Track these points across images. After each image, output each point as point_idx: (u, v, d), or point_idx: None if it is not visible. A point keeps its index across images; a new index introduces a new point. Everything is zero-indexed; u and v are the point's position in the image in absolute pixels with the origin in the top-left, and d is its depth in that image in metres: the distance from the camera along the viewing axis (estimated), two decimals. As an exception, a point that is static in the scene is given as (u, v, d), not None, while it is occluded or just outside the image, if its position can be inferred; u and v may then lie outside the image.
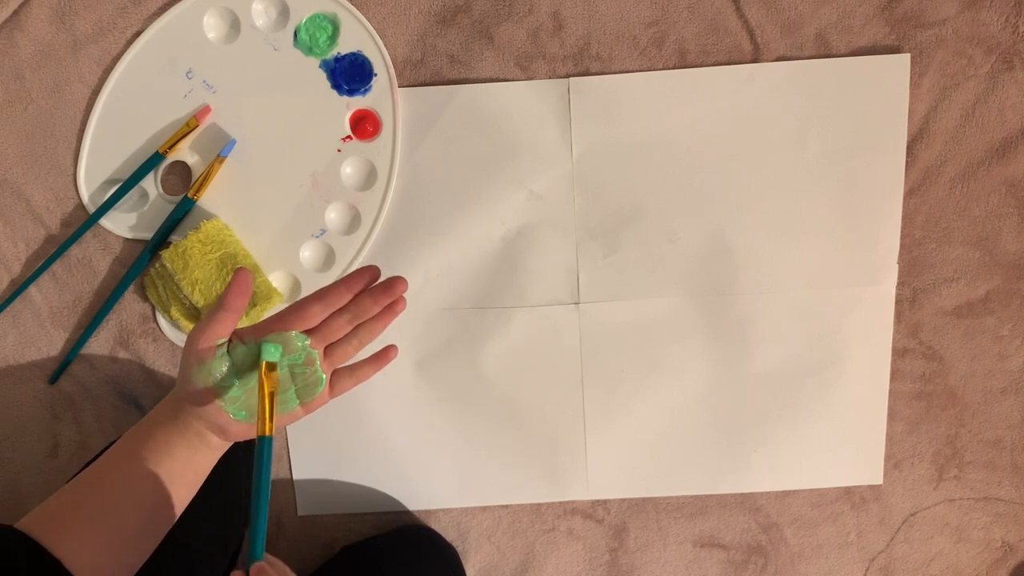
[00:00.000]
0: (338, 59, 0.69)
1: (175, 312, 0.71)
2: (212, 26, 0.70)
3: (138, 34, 0.70)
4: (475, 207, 0.72)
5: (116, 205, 0.71)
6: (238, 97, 0.70)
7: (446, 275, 0.73)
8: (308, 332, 0.51)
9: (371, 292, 0.52)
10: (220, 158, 0.70)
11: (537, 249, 0.73)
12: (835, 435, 0.76)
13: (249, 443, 0.50)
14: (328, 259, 0.73)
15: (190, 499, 0.51)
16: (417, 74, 0.71)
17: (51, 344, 0.74)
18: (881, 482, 0.77)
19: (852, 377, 0.75)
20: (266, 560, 0.44)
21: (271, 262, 0.72)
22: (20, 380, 0.75)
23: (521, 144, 0.71)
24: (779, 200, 0.72)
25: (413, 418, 0.76)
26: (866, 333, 0.74)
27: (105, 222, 0.72)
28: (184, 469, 0.50)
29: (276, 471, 0.77)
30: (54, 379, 0.74)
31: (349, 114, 0.70)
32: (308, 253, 0.73)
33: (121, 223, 0.72)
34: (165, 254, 0.70)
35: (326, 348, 0.52)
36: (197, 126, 0.70)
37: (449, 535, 0.78)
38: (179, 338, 0.73)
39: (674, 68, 0.70)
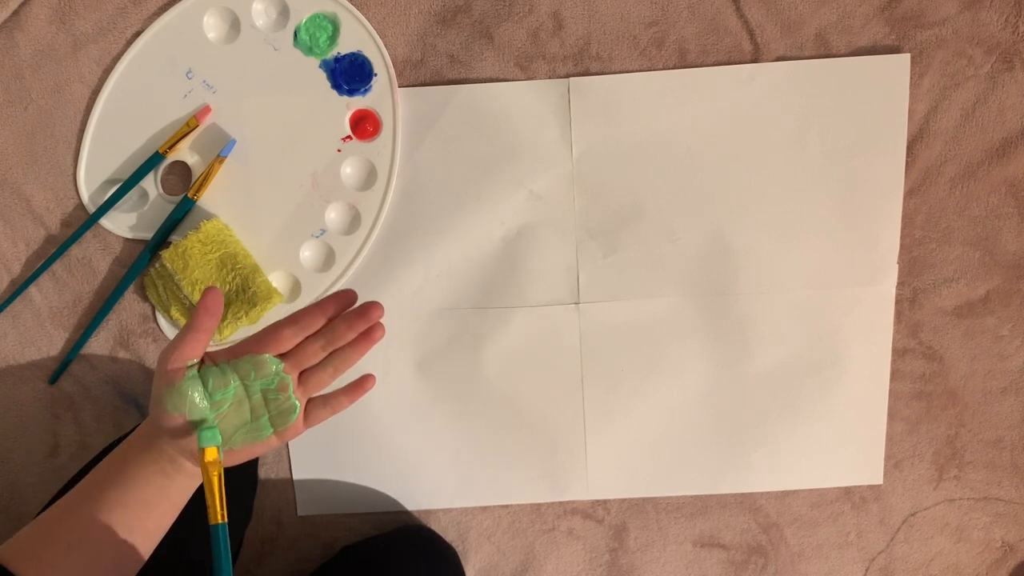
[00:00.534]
0: (338, 59, 0.69)
1: (175, 312, 0.71)
2: (212, 26, 0.70)
3: (138, 34, 0.70)
4: (475, 207, 0.72)
5: (116, 205, 0.71)
6: (238, 97, 0.70)
7: (446, 275, 0.73)
8: (282, 357, 0.50)
9: (345, 318, 0.51)
10: (220, 158, 0.70)
11: (537, 249, 0.73)
12: (835, 435, 0.76)
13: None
14: (328, 259, 0.73)
15: (167, 528, 0.50)
16: (417, 74, 0.71)
17: (51, 344, 0.74)
18: (881, 482, 0.77)
19: (852, 377, 0.75)
20: None
21: (271, 262, 0.72)
22: (20, 380, 0.75)
23: (521, 144, 0.71)
24: (779, 200, 0.72)
25: (413, 418, 0.76)
26: (866, 333, 0.74)
27: (105, 222, 0.72)
28: (158, 498, 0.49)
29: (277, 471, 0.77)
30: (54, 379, 0.74)
31: (349, 114, 0.70)
32: (308, 253, 0.73)
33: (121, 223, 0.72)
34: (165, 254, 0.70)
35: (301, 375, 0.51)
36: (197, 126, 0.70)
37: (449, 535, 0.78)
38: (179, 338, 0.73)
39: (674, 68, 0.70)
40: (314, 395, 0.52)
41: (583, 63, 0.71)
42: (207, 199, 0.71)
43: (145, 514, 0.48)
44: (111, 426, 0.76)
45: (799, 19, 0.70)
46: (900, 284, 0.74)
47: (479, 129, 0.71)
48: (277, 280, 0.73)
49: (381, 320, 0.51)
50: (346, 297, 0.51)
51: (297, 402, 0.50)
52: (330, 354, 0.51)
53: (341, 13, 0.69)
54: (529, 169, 0.72)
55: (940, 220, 0.73)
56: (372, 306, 0.51)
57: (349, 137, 0.71)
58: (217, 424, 0.48)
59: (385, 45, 0.70)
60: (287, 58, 0.70)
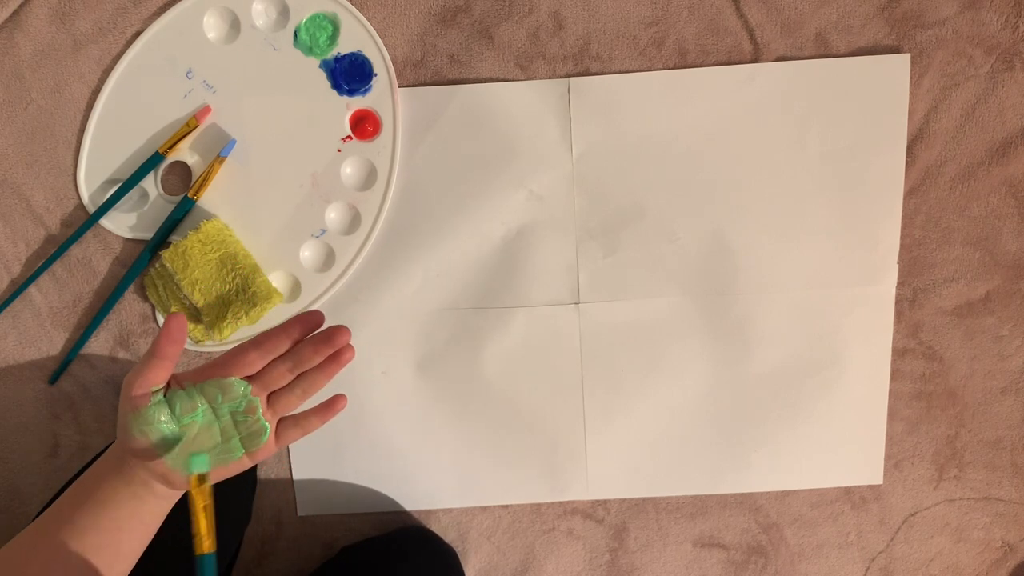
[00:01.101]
0: (338, 59, 0.69)
1: (175, 312, 0.71)
2: (212, 26, 0.70)
3: (138, 34, 0.70)
4: (475, 207, 0.72)
5: (116, 205, 0.71)
6: (238, 97, 0.70)
7: (446, 275, 0.73)
8: (249, 379, 0.50)
9: (311, 341, 0.50)
10: (220, 158, 0.70)
11: (537, 249, 0.73)
12: (835, 435, 0.76)
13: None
14: (328, 259, 0.73)
15: (141, 551, 0.50)
16: (417, 74, 0.71)
17: (51, 344, 0.74)
18: (881, 482, 0.77)
19: (852, 377, 0.75)
20: None
21: (271, 262, 0.72)
22: (20, 380, 0.75)
23: (521, 144, 0.71)
24: (779, 200, 0.72)
25: (413, 418, 0.76)
26: (866, 333, 0.74)
27: (105, 222, 0.72)
28: (131, 520, 0.48)
29: (277, 471, 0.77)
30: (54, 379, 0.74)
31: (349, 114, 0.70)
32: (308, 253, 0.73)
33: (121, 223, 0.72)
34: (165, 254, 0.70)
35: (270, 396, 0.51)
36: (197, 126, 0.70)
37: (449, 535, 0.78)
38: (179, 338, 0.73)
39: (674, 68, 0.71)
40: (285, 415, 0.52)
41: (583, 63, 0.71)
42: (207, 199, 0.71)
43: (118, 538, 0.48)
44: (111, 426, 0.76)
45: (799, 19, 0.70)
46: (900, 284, 0.74)
47: (479, 129, 0.71)
48: (277, 280, 0.73)
49: (350, 342, 0.51)
50: (311, 319, 0.50)
51: (267, 424, 0.50)
52: (298, 377, 0.51)
53: (341, 13, 0.69)
54: (529, 169, 0.72)
55: (940, 220, 0.73)
56: (337, 330, 0.50)
57: (349, 137, 0.71)
58: (190, 449, 0.48)
59: (385, 45, 0.70)
60: (287, 58, 0.70)
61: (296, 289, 0.73)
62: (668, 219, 0.72)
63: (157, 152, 0.70)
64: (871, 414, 0.76)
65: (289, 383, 0.51)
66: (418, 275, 0.73)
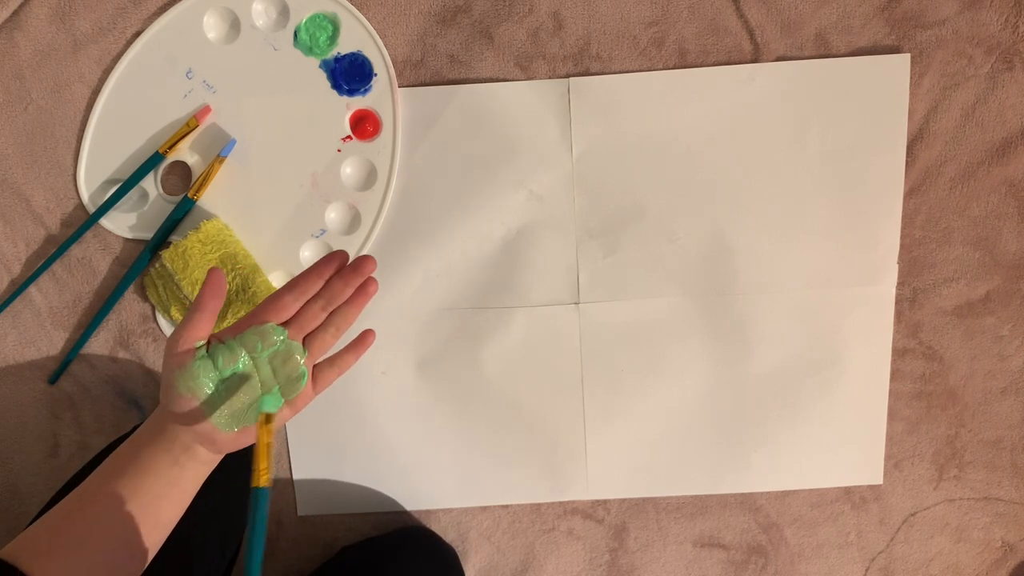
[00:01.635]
0: (338, 59, 0.69)
1: (175, 312, 0.71)
2: (212, 26, 0.70)
3: (138, 34, 0.70)
4: (475, 207, 0.72)
5: (116, 205, 0.71)
6: (238, 97, 0.70)
7: (446, 275, 0.73)
8: (285, 325, 0.51)
9: (341, 275, 0.51)
10: (220, 158, 0.70)
11: (537, 249, 0.73)
12: (835, 435, 0.76)
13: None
14: (328, 259, 0.73)
15: (178, 518, 0.50)
16: (417, 74, 0.71)
17: (51, 344, 0.74)
18: (881, 482, 0.77)
19: (852, 377, 0.75)
20: None
21: (271, 262, 0.72)
22: (20, 380, 0.75)
23: (521, 144, 0.71)
24: (779, 200, 0.72)
25: (413, 418, 0.76)
26: (866, 333, 0.74)
27: (105, 222, 0.72)
28: (170, 488, 0.49)
29: (276, 470, 0.77)
30: (54, 379, 0.74)
31: (349, 114, 0.70)
32: (308, 253, 0.73)
33: (121, 223, 0.72)
34: (165, 254, 0.70)
35: (304, 340, 0.51)
36: (197, 126, 0.70)
37: (449, 535, 0.78)
38: (179, 338, 0.73)
39: (674, 68, 0.71)
40: (319, 359, 0.52)
41: (583, 63, 0.71)
42: (207, 199, 0.71)
43: (157, 505, 0.48)
44: (111, 426, 0.76)
45: (799, 19, 0.70)
46: (900, 284, 0.74)
47: (479, 129, 0.71)
48: (277, 280, 0.73)
49: (374, 275, 0.52)
50: (340, 257, 0.52)
51: (305, 369, 0.50)
52: (330, 315, 0.52)
53: (341, 13, 0.69)
54: (529, 169, 0.72)
55: (940, 220, 0.73)
56: (364, 260, 0.52)
57: (349, 137, 0.71)
58: (234, 405, 0.48)
59: (385, 45, 0.70)
60: (287, 58, 0.70)
61: (296, 289, 0.73)
62: (668, 219, 0.72)
63: (157, 152, 0.70)
64: (871, 414, 0.76)
65: (322, 323, 0.52)
66: (418, 275, 0.73)
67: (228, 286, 0.70)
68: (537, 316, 0.74)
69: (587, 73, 0.71)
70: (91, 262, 0.73)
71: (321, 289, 0.51)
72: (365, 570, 0.69)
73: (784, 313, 0.74)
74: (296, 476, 0.77)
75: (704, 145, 0.71)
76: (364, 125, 0.70)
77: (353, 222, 0.72)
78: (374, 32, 0.69)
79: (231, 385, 0.49)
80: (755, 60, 0.70)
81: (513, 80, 0.71)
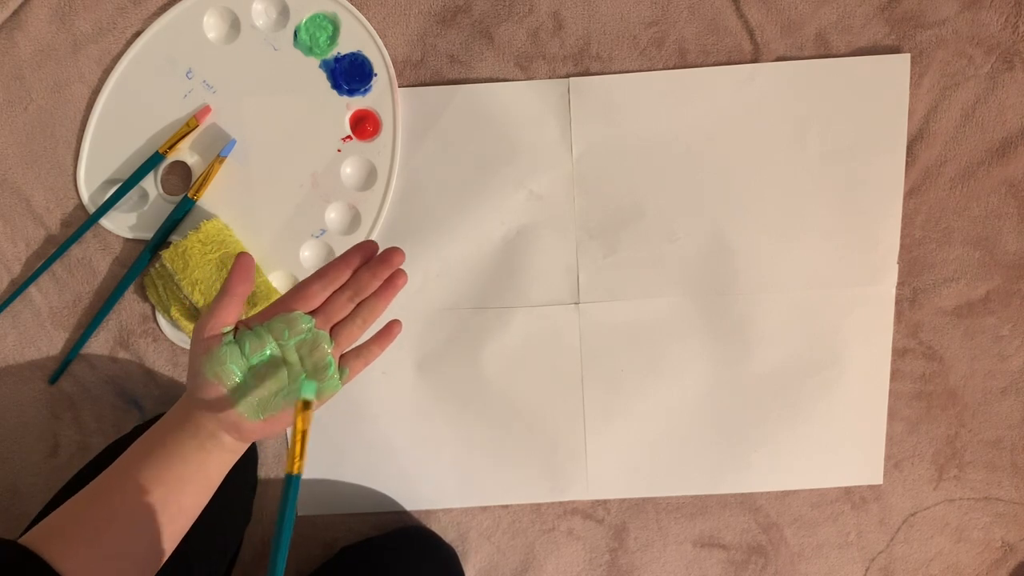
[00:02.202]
0: (338, 59, 0.69)
1: (175, 312, 0.71)
2: (212, 26, 0.70)
3: (138, 34, 0.70)
4: (475, 207, 0.72)
5: (116, 205, 0.71)
6: (238, 97, 0.70)
7: (446, 275, 0.73)
8: (312, 314, 0.50)
9: (369, 266, 0.51)
10: (220, 158, 0.70)
11: (537, 249, 0.73)
12: (835, 435, 0.76)
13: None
14: (328, 259, 0.73)
15: (202, 507, 0.50)
16: (417, 74, 0.71)
17: (51, 344, 0.74)
18: (881, 482, 0.77)
19: (852, 377, 0.75)
20: None
21: (271, 262, 0.72)
22: (20, 380, 0.75)
23: (521, 144, 0.71)
24: (779, 200, 0.72)
25: (413, 418, 0.76)
26: (866, 333, 0.74)
27: (105, 222, 0.72)
28: (196, 475, 0.48)
29: (277, 470, 0.77)
30: (54, 379, 0.74)
31: (349, 114, 0.70)
32: (308, 253, 0.73)
33: (121, 223, 0.72)
34: (165, 254, 0.70)
35: (331, 330, 0.51)
36: (197, 126, 0.70)
37: (449, 535, 0.78)
38: (179, 338, 0.73)
39: (674, 68, 0.71)
40: (346, 350, 0.52)
41: (583, 63, 0.71)
42: (207, 199, 0.71)
43: (182, 491, 0.48)
44: (111, 426, 0.76)
45: (799, 19, 0.70)
46: (900, 284, 0.74)
47: (479, 129, 0.71)
48: (277, 280, 0.73)
49: (402, 267, 0.52)
50: (368, 248, 0.51)
51: (332, 359, 0.50)
52: (357, 306, 0.52)
53: (341, 13, 0.69)
54: (529, 169, 0.72)
55: (940, 220, 0.73)
56: (393, 251, 0.51)
57: (349, 137, 0.71)
58: (260, 393, 0.48)
59: (385, 45, 0.70)
60: (287, 58, 0.70)
61: (296, 289, 0.73)
62: (668, 219, 0.72)
63: (157, 152, 0.70)
64: (871, 414, 0.76)
65: (349, 314, 0.52)
66: (418, 275, 0.73)
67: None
68: (537, 316, 0.74)
69: (587, 73, 0.71)
70: (91, 262, 0.73)
71: (349, 280, 0.51)
72: (365, 570, 0.69)
73: (784, 313, 0.74)
74: (296, 476, 0.77)
75: (704, 145, 0.71)
76: (364, 125, 0.70)
77: (353, 222, 0.72)
78: (374, 32, 0.69)
79: (258, 372, 0.48)
80: (755, 60, 0.70)
81: (513, 80, 0.71)
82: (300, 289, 0.50)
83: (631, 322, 0.74)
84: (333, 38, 0.69)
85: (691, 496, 0.78)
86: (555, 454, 0.77)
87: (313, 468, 0.77)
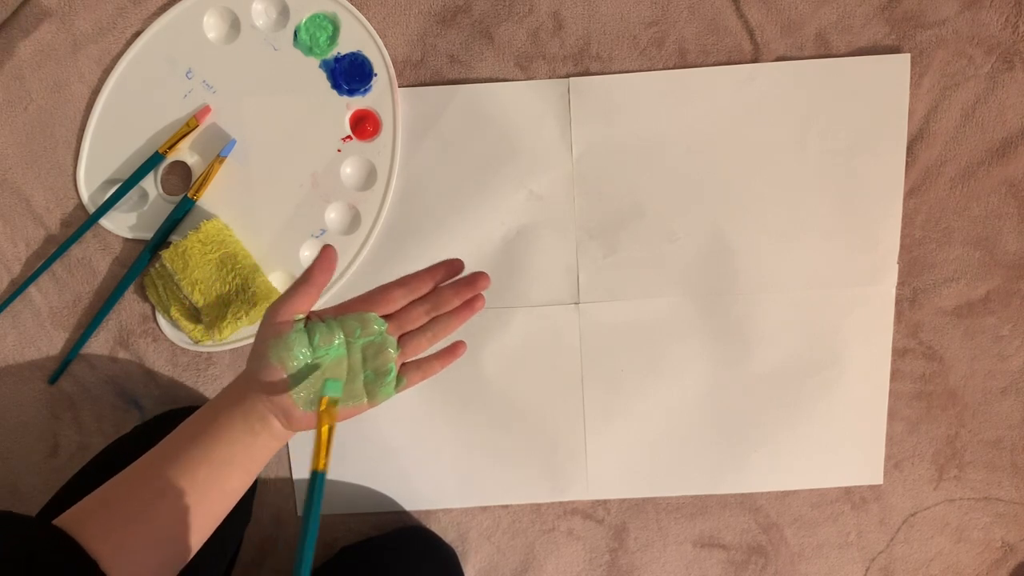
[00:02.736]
0: (338, 59, 0.69)
1: (175, 312, 0.71)
2: (212, 26, 0.70)
3: (138, 34, 0.70)
4: (475, 207, 0.72)
5: (116, 205, 0.71)
6: (238, 97, 0.70)
7: (446, 275, 0.73)
8: (386, 318, 0.50)
9: (454, 284, 0.51)
10: (220, 158, 0.70)
11: (537, 249, 0.73)
12: (835, 435, 0.76)
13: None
14: (328, 259, 0.73)
15: (243, 491, 0.49)
16: (417, 74, 0.71)
17: (51, 344, 0.74)
18: (881, 482, 0.77)
19: (852, 377, 0.75)
20: None
21: (271, 262, 0.72)
22: (20, 380, 0.75)
23: (521, 144, 0.71)
24: (779, 200, 0.72)
25: (413, 418, 0.76)
26: (866, 333, 0.74)
27: (105, 222, 0.72)
28: (242, 457, 0.48)
29: (276, 470, 0.77)
30: (54, 379, 0.74)
31: (349, 114, 0.70)
32: (308, 253, 0.73)
33: (121, 223, 0.72)
34: (165, 254, 0.70)
35: (400, 338, 0.51)
36: (197, 126, 0.70)
37: (449, 535, 0.78)
38: (179, 338, 0.73)
39: (674, 68, 0.71)
40: (408, 360, 0.52)
41: (583, 63, 0.71)
42: (207, 199, 0.71)
43: (227, 473, 0.47)
44: (111, 426, 0.76)
45: (799, 19, 0.70)
46: (900, 284, 0.74)
47: (479, 129, 0.71)
48: (277, 280, 0.73)
49: (484, 292, 0.52)
50: (454, 265, 0.52)
51: (394, 366, 0.50)
52: (431, 320, 0.52)
53: (341, 13, 0.69)
54: (529, 169, 0.72)
55: (940, 220, 0.73)
56: (480, 276, 0.52)
57: (349, 137, 0.71)
58: (326, 377, 0.48)
59: (385, 45, 0.70)
60: (287, 58, 0.70)
61: (296, 289, 0.73)
62: (668, 219, 0.72)
63: (157, 152, 0.70)
64: (871, 414, 0.76)
65: (421, 326, 0.52)
66: (418, 275, 0.73)
67: (228, 286, 0.70)
68: (537, 316, 0.74)
69: (587, 73, 0.71)
70: (91, 262, 0.73)
71: (430, 293, 0.51)
72: (365, 570, 0.69)
73: (784, 313, 0.74)
74: (296, 476, 0.77)
75: (704, 145, 0.71)
76: (364, 125, 0.70)
77: (353, 222, 0.72)
78: (374, 32, 0.69)
79: (322, 362, 0.48)
80: (755, 60, 0.70)
81: (513, 80, 0.71)
82: (382, 292, 0.50)
83: (631, 322, 0.74)
84: (333, 38, 0.69)
85: (691, 496, 0.78)
86: (555, 454, 0.77)
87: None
